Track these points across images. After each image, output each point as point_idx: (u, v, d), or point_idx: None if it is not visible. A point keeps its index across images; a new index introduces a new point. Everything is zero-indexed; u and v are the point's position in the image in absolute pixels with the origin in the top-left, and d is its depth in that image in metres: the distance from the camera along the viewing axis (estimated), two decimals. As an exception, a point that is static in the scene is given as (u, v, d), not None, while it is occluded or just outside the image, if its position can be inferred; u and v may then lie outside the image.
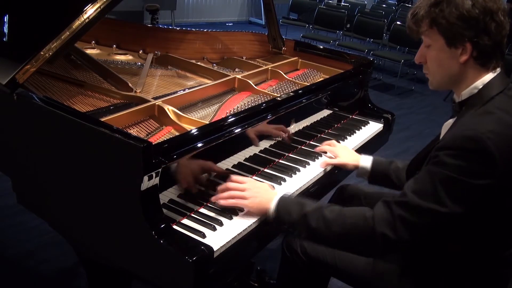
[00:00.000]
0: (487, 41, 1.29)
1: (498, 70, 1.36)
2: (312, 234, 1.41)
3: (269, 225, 1.50)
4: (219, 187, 1.53)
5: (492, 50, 1.31)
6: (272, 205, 1.46)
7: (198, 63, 2.42)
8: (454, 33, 1.30)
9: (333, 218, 1.36)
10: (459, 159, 1.22)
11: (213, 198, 1.51)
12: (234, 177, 1.57)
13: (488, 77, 1.34)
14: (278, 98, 1.90)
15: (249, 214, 1.50)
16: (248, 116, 1.71)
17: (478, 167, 1.22)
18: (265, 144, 1.85)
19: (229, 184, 1.53)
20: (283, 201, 1.47)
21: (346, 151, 1.93)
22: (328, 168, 1.88)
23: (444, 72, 1.38)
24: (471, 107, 1.34)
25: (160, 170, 1.32)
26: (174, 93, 1.97)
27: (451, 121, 1.43)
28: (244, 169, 1.73)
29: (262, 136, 1.82)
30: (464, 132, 1.25)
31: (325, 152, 1.96)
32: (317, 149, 1.97)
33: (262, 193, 1.50)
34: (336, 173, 1.91)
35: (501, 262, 1.40)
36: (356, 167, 1.86)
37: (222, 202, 1.49)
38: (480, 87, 1.34)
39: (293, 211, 1.43)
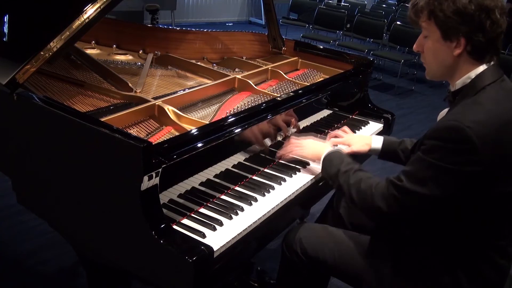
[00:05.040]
0: (481, 37, 1.32)
1: (493, 62, 1.39)
2: (338, 189, 1.60)
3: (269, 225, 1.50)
4: (282, 147, 1.83)
5: (486, 46, 1.34)
6: (323, 155, 1.68)
7: (198, 63, 2.42)
8: (449, 27, 1.34)
9: (353, 182, 1.51)
10: (442, 149, 1.28)
11: (277, 155, 1.81)
12: (293, 138, 1.86)
13: (482, 68, 1.38)
14: (278, 98, 1.90)
15: (249, 214, 1.50)
16: (248, 116, 1.71)
17: (461, 156, 1.26)
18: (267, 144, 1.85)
19: (291, 141, 1.83)
20: (330, 155, 1.67)
21: (357, 138, 1.98)
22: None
23: (439, 63, 1.42)
24: (463, 97, 1.38)
25: (160, 170, 1.32)
26: (174, 93, 1.97)
27: (446, 110, 1.47)
28: (244, 169, 1.73)
29: (262, 136, 1.82)
30: (446, 122, 1.30)
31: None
32: (329, 137, 2.01)
33: (316, 145, 1.77)
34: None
35: (497, 252, 1.41)
36: (369, 149, 1.94)
37: (287, 157, 1.80)
38: (473, 77, 1.38)
39: (333, 165, 1.62)
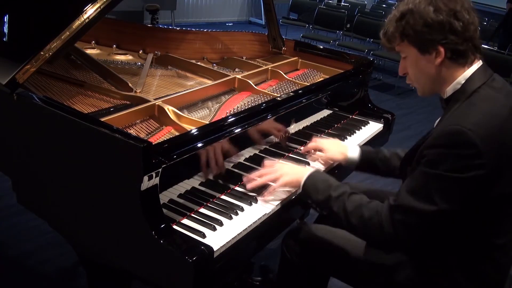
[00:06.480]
0: (456, 40, 1.34)
1: (480, 62, 1.41)
2: (332, 217, 1.50)
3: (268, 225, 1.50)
4: (252, 174, 1.63)
5: (464, 47, 1.36)
6: (302, 180, 1.54)
7: (198, 63, 2.42)
8: (423, 40, 1.36)
9: (352, 209, 1.43)
10: (446, 157, 1.28)
11: (246, 183, 1.60)
12: (266, 161, 1.68)
13: (470, 71, 1.39)
14: (278, 98, 1.90)
15: (249, 214, 1.50)
16: (248, 116, 1.71)
17: (465, 160, 1.26)
18: (265, 144, 1.85)
19: (262, 170, 1.63)
20: (312, 178, 1.55)
21: (330, 144, 1.90)
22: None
23: (425, 78, 1.44)
24: (456, 102, 1.38)
25: (160, 170, 1.32)
26: (174, 93, 1.97)
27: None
28: (244, 169, 1.73)
29: (262, 137, 1.82)
30: (446, 127, 1.30)
31: (314, 152, 1.92)
32: (303, 151, 1.93)
33: (293, 170, 1.60)
34: (336, 173, 1.91)
35: (497, 251, 1.42)
36: (345, 159, 1.86)
37: (255, 183, 1.59)
38: (463, 82, 1.39)
39: (320, 190, 1.51)
